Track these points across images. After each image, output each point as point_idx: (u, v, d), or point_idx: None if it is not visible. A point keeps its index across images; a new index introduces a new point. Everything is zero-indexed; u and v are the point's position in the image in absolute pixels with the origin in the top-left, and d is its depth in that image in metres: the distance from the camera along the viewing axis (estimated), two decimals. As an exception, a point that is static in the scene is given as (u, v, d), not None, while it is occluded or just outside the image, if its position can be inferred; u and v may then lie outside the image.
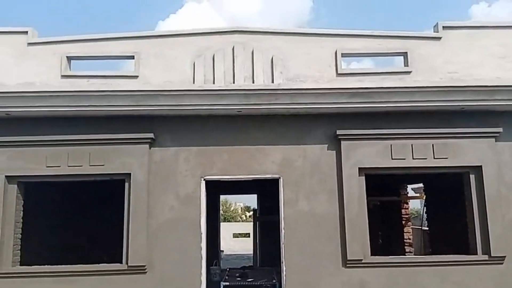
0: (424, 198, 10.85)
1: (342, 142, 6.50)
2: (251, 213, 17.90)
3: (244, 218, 38.63)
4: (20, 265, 6.49)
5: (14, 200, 6.44)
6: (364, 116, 6.57)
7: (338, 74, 6.48)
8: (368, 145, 6.50)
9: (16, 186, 6.47)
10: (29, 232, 6.83)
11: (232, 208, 41.06)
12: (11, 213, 6.39)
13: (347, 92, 6.19)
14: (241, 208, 43.26)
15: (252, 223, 15.45)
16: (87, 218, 9.85)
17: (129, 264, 6.22)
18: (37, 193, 7.29)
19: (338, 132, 6.48)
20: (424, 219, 11.36)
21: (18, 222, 6.51)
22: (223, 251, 15.54)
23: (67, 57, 6.47)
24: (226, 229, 20.37)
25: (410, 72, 6.52)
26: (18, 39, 6.45)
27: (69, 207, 9.45)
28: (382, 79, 6.44)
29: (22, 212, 6.60)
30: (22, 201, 6.61)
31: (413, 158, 6.47)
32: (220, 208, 17.07)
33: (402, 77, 6.49)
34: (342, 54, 6.54)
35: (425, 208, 10.99)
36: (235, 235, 23.33)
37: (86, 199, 9.83)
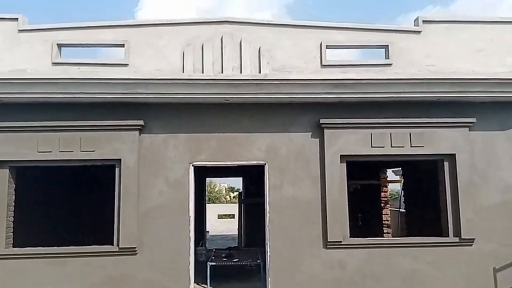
0: (403, 182, 11.28)
1: (325, 130, 6.78)
2: (235, 193, 18.19)
3: (229, 198, 39.07)
4: (13, 247, 6.67)
5: (6, 184, 6.58)
6: (346, 106, 6.84)
7: (323, 66, 6.70)
8: (349, 133, 6.80)
9: (7, 170, 6.60)
10: (21, 215, 6.99)
11: (216, 189, 41.38)
12: (3, 197, 6.54)
13: (330, 83, 6.43)
14: (225, 189, 43.68)
15: (237, 204, 15.80)
16: (77, 201, 10.01)
17: (120, 246, 6.46)
18: (28, 177, 7.43)
19: (322, 121, 6.75)
20: (402, 201, 11.82)
21: (10, 206, 6.66)
22: (208, 231, 15.84)
23: (57, 44, 6.53)
24: (211, 210, 20.62)
25: (390, 64, 6.78)
26: (8, 26, 6.48)
27: (59, 191, 9.58)
28: (364, 70, 6.71)
29: (14, 196, 6.74)
30: (14, 185, 6.75)
31: (392, 146, 6.80)
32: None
33: (383, 69, 6.77)
34: (327, 46, 6.75)
35: (403, 191, 11.44)
36: (220, 216, 23.62)
37: (76, 183, 9.96)
